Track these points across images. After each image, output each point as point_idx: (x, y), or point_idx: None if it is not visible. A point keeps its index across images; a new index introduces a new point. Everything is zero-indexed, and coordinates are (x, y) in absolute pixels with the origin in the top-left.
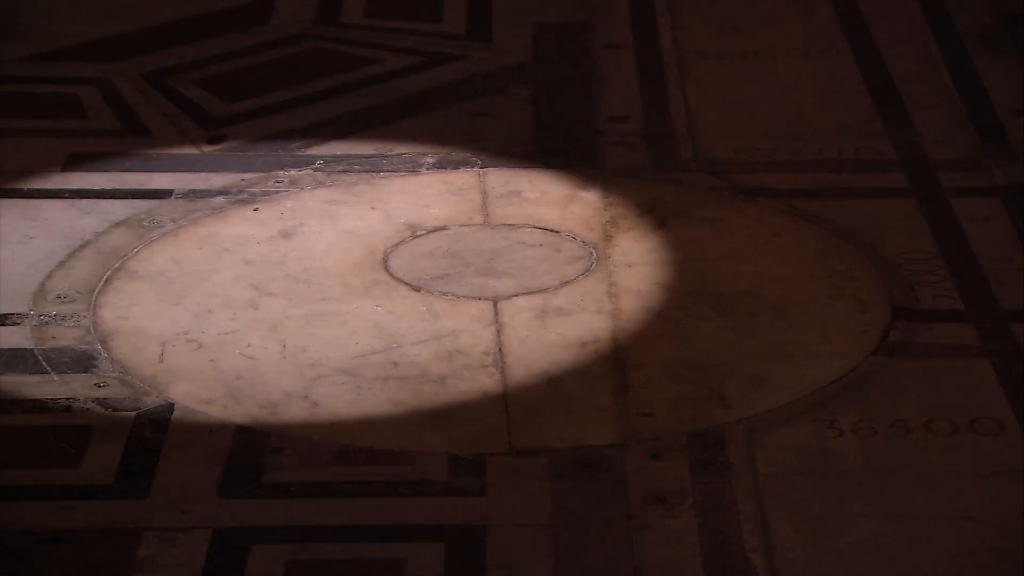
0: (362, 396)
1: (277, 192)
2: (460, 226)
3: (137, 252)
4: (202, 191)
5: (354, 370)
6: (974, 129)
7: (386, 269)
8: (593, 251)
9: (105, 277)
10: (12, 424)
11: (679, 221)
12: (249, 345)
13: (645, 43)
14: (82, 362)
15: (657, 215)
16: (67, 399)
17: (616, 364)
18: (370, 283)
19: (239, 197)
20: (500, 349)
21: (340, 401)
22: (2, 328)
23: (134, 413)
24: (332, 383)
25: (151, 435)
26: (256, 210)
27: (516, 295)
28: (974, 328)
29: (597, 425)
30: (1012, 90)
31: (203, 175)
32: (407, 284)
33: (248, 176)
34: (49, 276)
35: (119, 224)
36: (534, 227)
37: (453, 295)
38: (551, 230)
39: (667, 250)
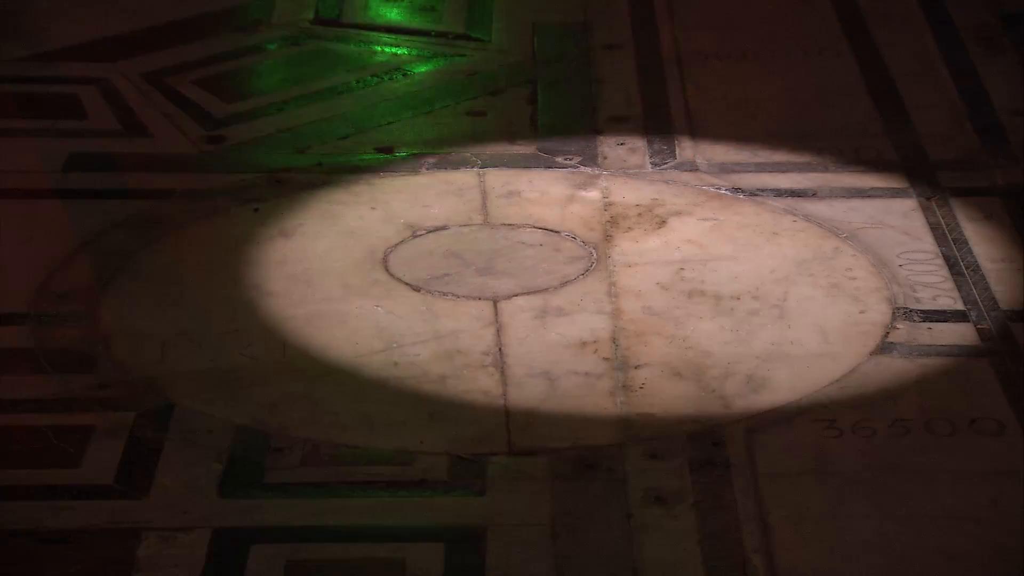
0: (362, 396)
1: (277, 192)
2: (460, 226)
3: (137, 252)
4: (202, 191)
5: (354, 370)
6: (974, 129)
7: (386, 269)
8: (593, 251)
9: (105, 277)
10: (12, 424)
11: (679, 221)
12: (249, 345)
13: (645, 43)
14: (82, 362)
15: (657, 215)
16: (67, 399)
17: (616, 364)
18: (370, 283)
19: (239, 197)
20: (500, 349)
21: (340, 401)
22: (2, 328)
23: (134, 413)
24: (332, 383)
25: (151, 435)
26: (256, 210)
27: (516, 295)
28: (974, 328)
29: (597, 425)
30: (1012, 90)
31: (203, 175)
32: (407, 284)
33: (248, 176)
34: (49, 276)
35: (119, 224)
36: (534, 227)
37: (453, 295)
38: (551, 230)
39: (667, 250)
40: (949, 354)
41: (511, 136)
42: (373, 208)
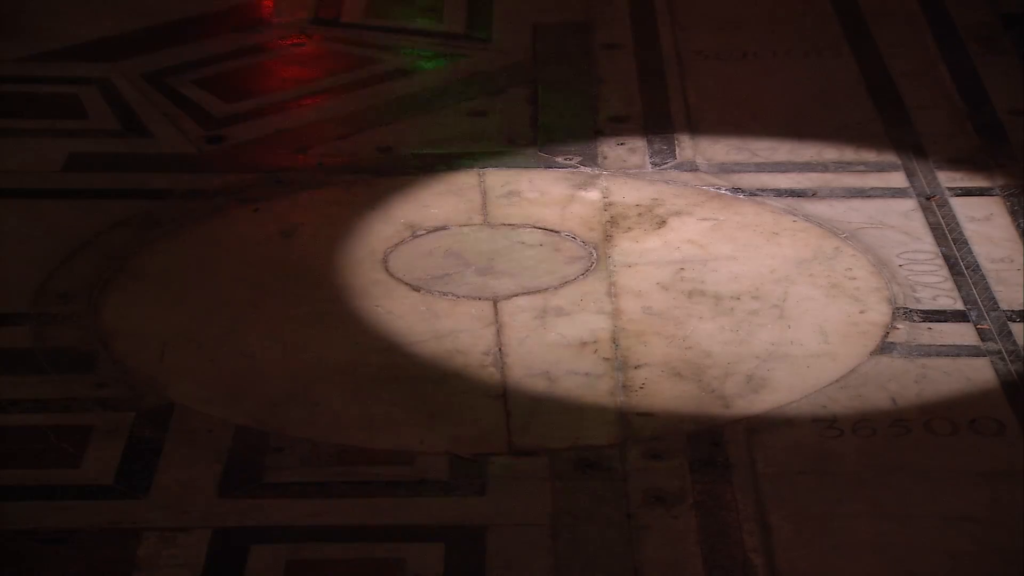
0: (362, 396)
1: (277, 192)
2: (460, 226)
3: (137, 252)
4: (202, 191)
5: (354, 370)
6: (974, 129)
7: (386, 269)
8: (593, 251)
9: (105, 277)
10: (12, 424)
11: (679, 221)
12: (249, 345)
13: (645, 43)
14: (82, 362)
15: (657, 215)
16: (67, 399)
17: (616, 364)
18: (370, 283)
19: (239, 197)
20: (500, 349)
21: (340, 401)
22: (2, 328)
23: (134, 413)
24: (332, 383)
25: (151, 435)
26: (256, 210)
27: (516, 295)
28: (974, 328)
29: (597, 425)
30: (1012, 90)
31: (203, 175)
32: (407, 284)
33: (248, 176)
34: (49, 276)
35: (119, 224)
36: (534, 227)
37: (453, 295)
38: (551, 230)
39: (667, 250)
40: (949, 354)
41: (511, 136)
42: (373, 208)
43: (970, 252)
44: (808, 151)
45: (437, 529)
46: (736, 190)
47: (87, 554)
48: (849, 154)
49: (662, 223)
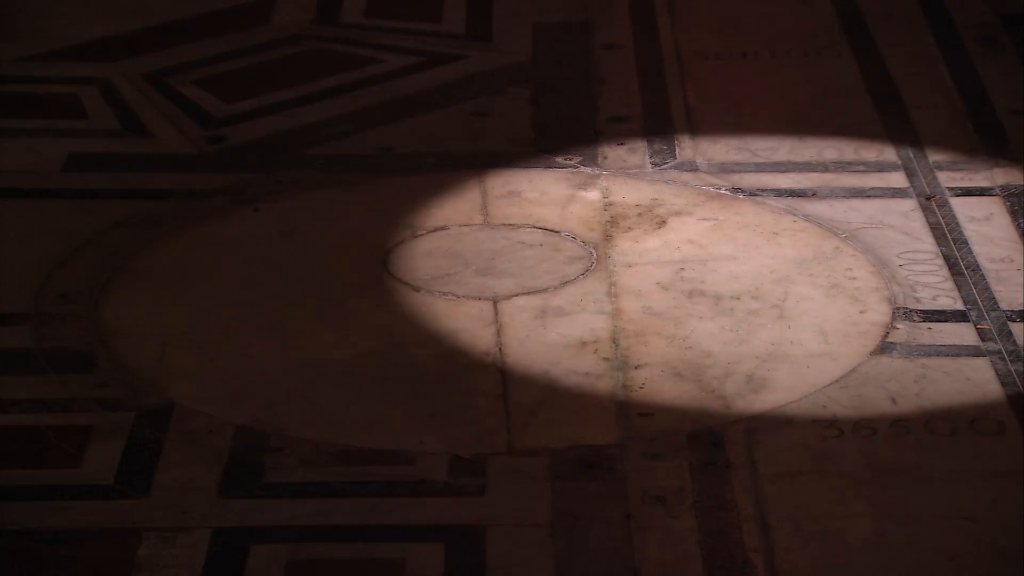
0: (362, 396)
1: (277, 192)
2: (460, 226)
3: (137, 252)
4: (202, 191)
5: (354, 370)
6: (974, 129)
7: (386, 269)
8: (593, 251)
9: (105, 277)
10: (12, 424)
11: (679, 221)
12: (250, 345)
13: (645, 43)
14: (82, 362)
15: (657, 215)
16: (67, 399)
17: (616, 364)
18: (370, 283)
19: (239, 197)
20: (500, 349)
21: (340, 401)
22: (2, 328)
23: (134, 413)
24: (332, 383)
25: (151, 435)
26: (256, 210)
27: (516, 295)
28: (974, 328)
29: (597, 425)
30: (1012, 90)
31: (203, 175)
32: (407, 284)
33: (248, 176)
34: (49, 276)
35: (119, 224)
36: (534, 227)
37: (453, 295)
38: (551, 230)
39: (667, 250)
40: (949, 354)
41: (511, 136)
42: (373, 208)
43: (970, 252)
44: (808, 151)
45: (437, 529)
46: (736, 190)
47: (87, 554)
48: (849, 154)
49: (662, 223)
